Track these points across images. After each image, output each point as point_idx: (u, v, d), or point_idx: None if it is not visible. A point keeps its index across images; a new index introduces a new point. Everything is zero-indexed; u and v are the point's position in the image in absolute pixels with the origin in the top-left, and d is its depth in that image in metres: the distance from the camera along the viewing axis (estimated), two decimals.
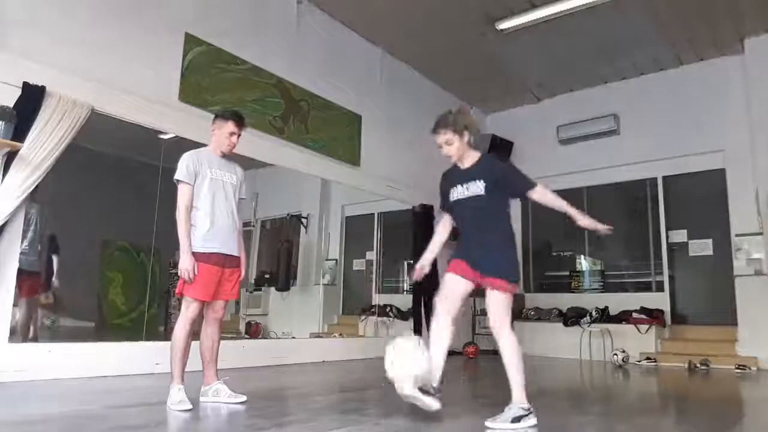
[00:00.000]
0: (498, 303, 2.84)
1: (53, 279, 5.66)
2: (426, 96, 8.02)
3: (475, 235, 2.94)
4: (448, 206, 3.13)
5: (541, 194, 2.94)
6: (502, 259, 2.89)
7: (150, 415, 2.87)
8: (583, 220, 2.86)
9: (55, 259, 5.59)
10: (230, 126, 3.33)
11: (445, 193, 3.12)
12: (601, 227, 2.87)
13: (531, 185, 2.94)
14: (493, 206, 2.93)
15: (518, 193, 3.01)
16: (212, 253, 3.18)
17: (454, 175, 3.07)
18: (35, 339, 5.09)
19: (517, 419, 2.67)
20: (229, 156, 3.43)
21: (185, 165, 3.22)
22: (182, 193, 3.19)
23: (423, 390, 2.80)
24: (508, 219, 2.99)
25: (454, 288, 2.98)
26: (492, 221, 2.92)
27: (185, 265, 3.08)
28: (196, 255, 3.12)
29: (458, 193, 3.00)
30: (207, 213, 3.20)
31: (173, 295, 7.91)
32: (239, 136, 3.39)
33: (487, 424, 2.68)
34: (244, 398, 3.19)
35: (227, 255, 3.25)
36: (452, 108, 3.11)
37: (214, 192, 3.24)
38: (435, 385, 2.91)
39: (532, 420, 2.70)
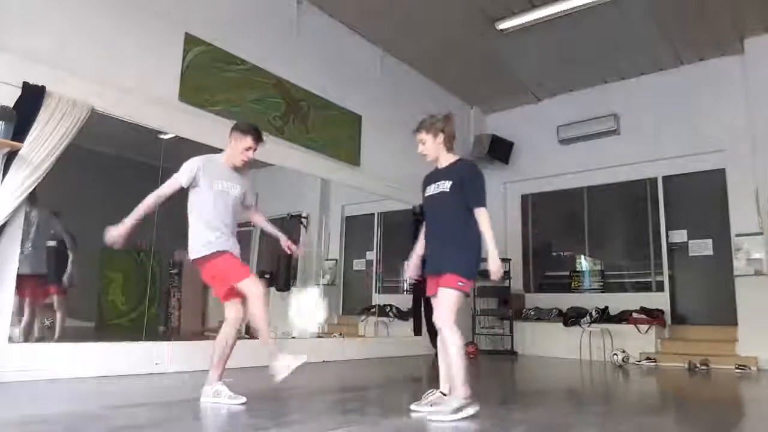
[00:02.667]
0: (445, 301, 3.00)
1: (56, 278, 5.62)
2: (426, 96, 8.01)
3: (437, 229, 3.17)
4: (423, 205, 3.33)
5: (483, 217, 3.05)
6: (457, 254, 3.04)
7: (150, 415, 2.87)
8: (494, 265, 2.99)
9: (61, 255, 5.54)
10: (248, 141, 3.33)
11: (423, 194, 3.34)
12: (498, 275, 3.01)
13: (480, 204, 3.08)
14: (457, 204, 3.11)
15: (467, 201, 3.10)
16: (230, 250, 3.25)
17: (431, 175, 3.32)
18: (35, 339, 5.08)
19: (458, 410, 2.84)
20: (241, 169, 3.42)
21: (189, 168, 3.24)
22: (168, 184, 3.22)
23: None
24: (473, 217, 3.08)
25: None
26: (453, 217, 3.11)
27: (114, 231, 3.07)
28: (218, 252, 3.18)
29: (430, 189, 3.24)
30: (210, 222, 3.23)
31: (173, 295, 7.92)
32: (255, 151, 3.38)
33: (425, 416, 2.87)
34: (243, 399, 3.18)
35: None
36: (438, 114, 3.32)
37: (217, 203, 3.27)
38: (446, 393, 3.09)
39: (472, 410, 2.88)
